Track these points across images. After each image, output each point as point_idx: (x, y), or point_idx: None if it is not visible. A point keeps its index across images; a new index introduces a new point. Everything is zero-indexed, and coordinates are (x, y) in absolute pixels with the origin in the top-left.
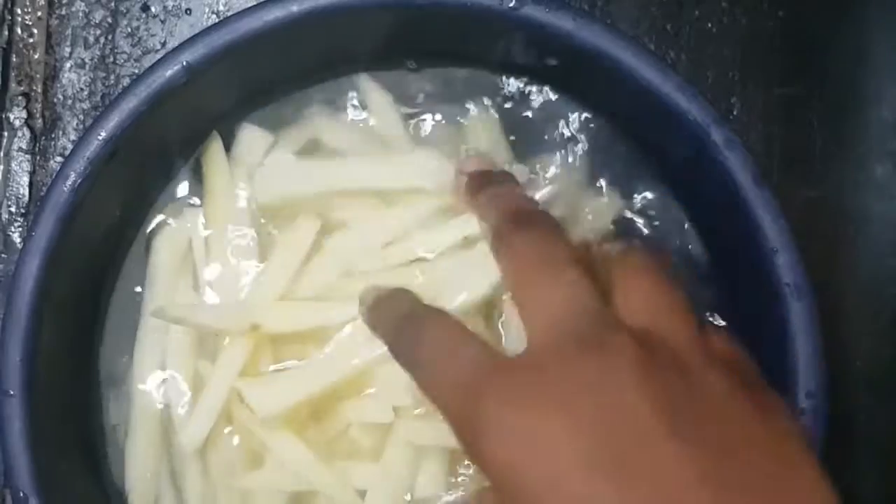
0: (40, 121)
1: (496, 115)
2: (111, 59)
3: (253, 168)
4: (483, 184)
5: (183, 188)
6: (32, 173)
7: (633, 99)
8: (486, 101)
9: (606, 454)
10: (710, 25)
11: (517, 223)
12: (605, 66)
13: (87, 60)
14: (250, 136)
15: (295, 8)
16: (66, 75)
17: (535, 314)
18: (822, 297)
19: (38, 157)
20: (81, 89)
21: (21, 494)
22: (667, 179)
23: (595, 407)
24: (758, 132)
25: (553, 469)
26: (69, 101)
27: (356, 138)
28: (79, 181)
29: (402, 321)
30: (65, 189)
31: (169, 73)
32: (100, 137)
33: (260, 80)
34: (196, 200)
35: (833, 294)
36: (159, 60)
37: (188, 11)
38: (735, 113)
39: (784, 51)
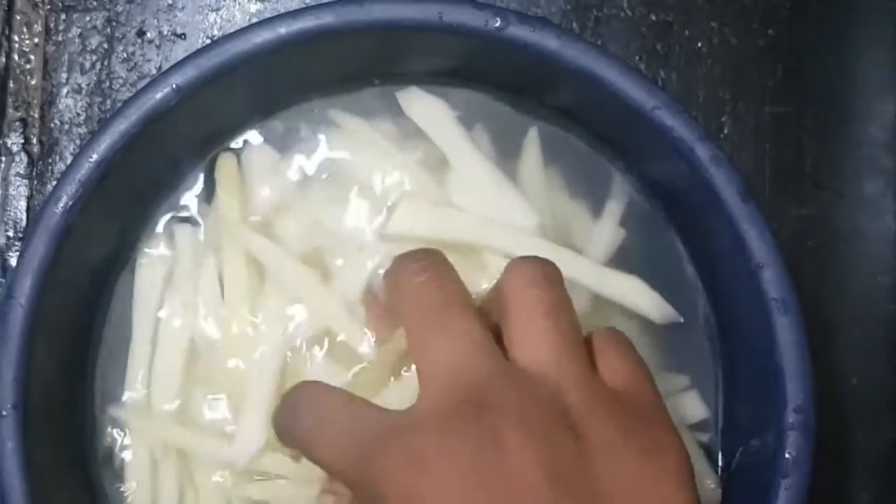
0: (37, 146)
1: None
2: (107, 85)
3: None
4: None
5: (179, 206)
6: (30, 198)
7: (618, 116)
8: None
9: None
10: (700, 45)
11: (412, 262)
12: (590, 85)
13: (83, 86)
14: (259, 154)
15: (283, 30)
16: (62, 101)
17: (425, 367)
18: (815, 315)
19: (35, 182)
20: (78, 114)
21: None
22: (652, 196)
23: (480, 468)
24: (749, 151)
25: None
26: (66, 127)
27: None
28: (70, 203)
29: (281, 403)
30: (56, 211)
31: (159, 95)
32: (91, 160)
33: (256, 99)
34: (191, 216)
35: (825, 312)
36: (149, 83)
37: (183, 36)
38: (726, 132)
39: (774, 70)
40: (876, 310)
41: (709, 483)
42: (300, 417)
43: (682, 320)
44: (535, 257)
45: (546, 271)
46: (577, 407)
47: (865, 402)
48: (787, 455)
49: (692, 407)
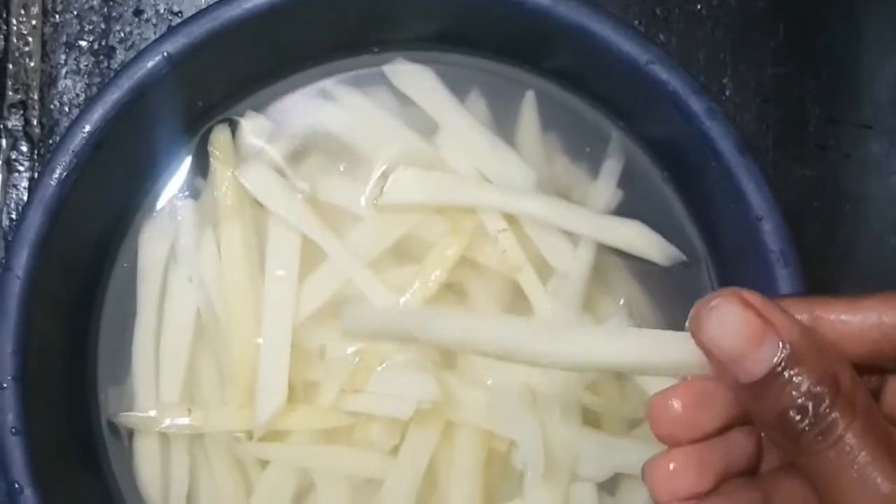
0: (38, 128)
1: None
2: (106, 65)
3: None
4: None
5: (177, 180)
6: (32, 179)
7: (614, 73)
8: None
9: None
10: (699, 7)
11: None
12: (585, 41)
13: (82, 66)
14: (253, 125)
15: None
16: (62, 82)
17: None
18: (820, 275)
19: (36, 164)
20: (77, 95)
21: (16, 486)
22: (651, 154)
23: None
24: (751, 113)
25: None
26: (66, 108)
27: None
28: (64, 174)
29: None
30: (52, 182)
31: (150, 64)
32: (84, 130)
33: (248, 69)
34: (190, 190)
35: (831, 272)
36: (141, 52)
37: (179, 14)
38: (727, 94)
39: (775, 30)
40: (882, 269)
41: None
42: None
43: (685, 258)
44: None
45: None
46: None
47: None
48: None
49: None
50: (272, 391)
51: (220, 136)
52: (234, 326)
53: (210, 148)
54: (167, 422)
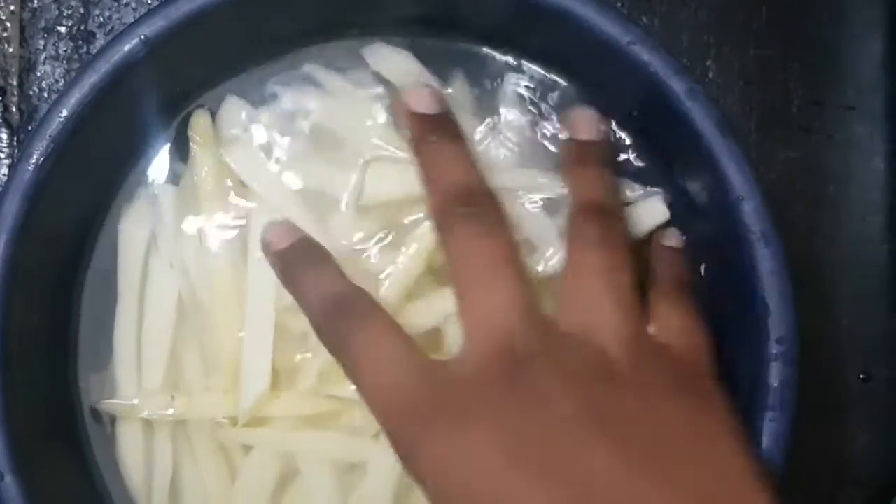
0: (17, 114)
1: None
2: (85, 50)
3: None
4: (429, 130)
5: (157, 165)
6: (11, 166)
7: (594, 54)
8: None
9: (533, 457)
10: None
11: (463, 207)
12: (565, 22)
13: (61, 52)
14: (233, 109)
15: None
16: (41, 68)
17: (472, 318)
18: (805, 258)
19: (15, 150)
20: (57, 81)
21: None
22: (634, 135)
23: (521, 417)
24: (734, 95)
25: (481, 475)
26: (45, 94)
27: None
28: (42, 159)
29: (333, 307)
30: (29, 167)
31: (127, 47)
32: (62, 115)
33: (228, 52)
34: (170, 175)
35: (815, 254)
36: (118, 35)
37: None
38: (711, 76)
39: (758, 12)
40: (866, 251)
41: None
42: (355, 343)
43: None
44: (599, 218)
45: (604, 233)
46: (621, 363)
47: (856, 342)
48: (771, 386)
49: None
50: (256, 376)
51: (199, 120)
52: (217, 312)
53: (190, 132)
54: (149, 410)
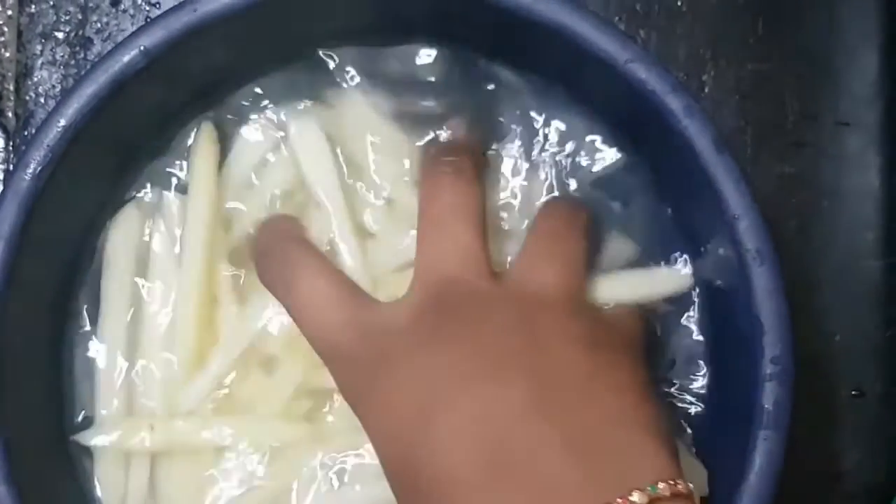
0: (13, 119)
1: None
2: (82, 56)
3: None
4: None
5: (153, 174)
6: (7, 171)
7: (590, 70)
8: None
9: (443, 401)
10: (679, 4)
11: (444, 158)
12: (562, 39)
13: (58, 57)
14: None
15: None
16: (38, 73)
17: (418, 265)
18: (798, 273)
19: (11, 156)
20: (53, 86)
21: None
22: (630, 152)
23: (434, 361)
24: (730, 109)
25: (400, 422)
26: (41, 99)
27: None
28: (39, 168)
29: (278, 252)
30: (25, 177)
31: (126, 58)
32: (59, 124)
33: (229, 64)
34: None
35: (809, 269)
36: (117, 46)
37: (157, 5)
38: (707, 90)
39: (755, 27)
40: (859, 266)
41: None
42: (298, 287)
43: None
44: (572, 199)
45: (570, 211)
46: (539, 312)
47: (849, 358)
48: (765, 406)
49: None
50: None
51: (197, 131)
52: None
53: (193, 144)
54: (125, 441)
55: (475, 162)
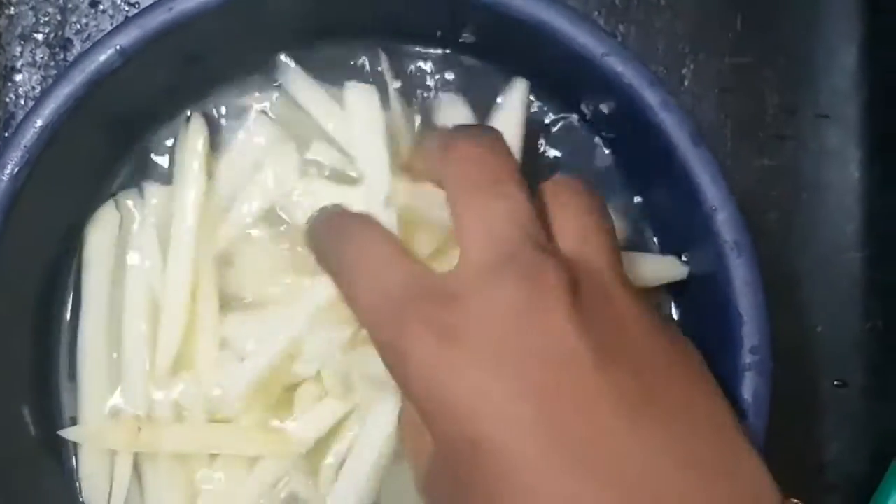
0: None
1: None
2: (62, 57)
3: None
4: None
5: (132, 172)
6: None
7: (567, 64)
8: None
9: (532, 379)
10: None
11: (463, 130)
12: (538, 33)
13: (38, 59)
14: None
15: None
16: (17, 75)
17: (471, 228)
18: (779, 265)
19: None
20: (33, 88)
21: None
22: (608, 146)
23: (523, 334)
24: (710, 103)
25: (477, 395)
26: (21, 101)
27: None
28: (16, 170)
29: (330, 229)
30: (3, 178)
31: (102, 57)
32: (36, 125)
33: (207, 61)
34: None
35: (790, 262)
36: (93, 45)
37: (136, 5)
38: (686, 84)
39: (734, 21)
40: (840, 258)
41: None
42: (347, 255)
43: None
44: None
45: (590, 188)
46: (613, 289)
47: (831, 349)
48: (744, 397)
49: None
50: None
51: (185, 125)
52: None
53: (181, 139)
54: (112, 443)
55: (495, 132)
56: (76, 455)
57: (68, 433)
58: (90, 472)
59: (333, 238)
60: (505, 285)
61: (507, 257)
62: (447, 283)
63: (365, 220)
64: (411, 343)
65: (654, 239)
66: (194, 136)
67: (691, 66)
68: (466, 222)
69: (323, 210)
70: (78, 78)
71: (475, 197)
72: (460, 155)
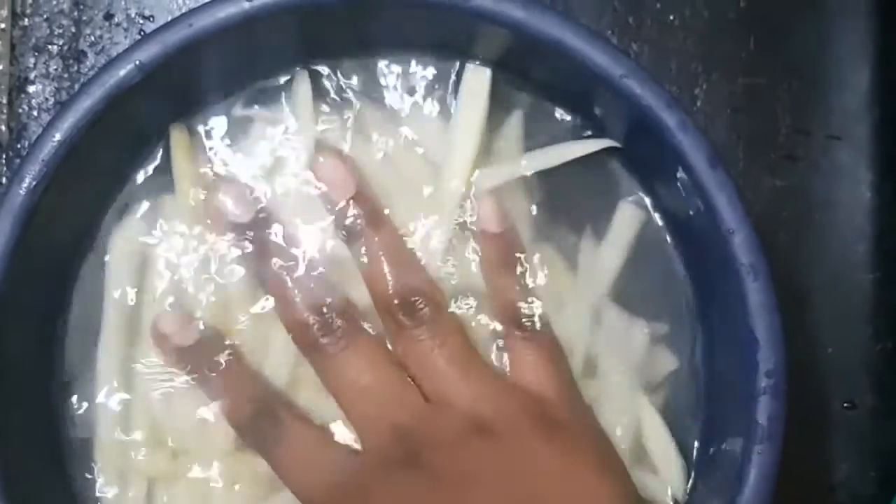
0: (6, 133)
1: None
2: (76, 69)
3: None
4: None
5: (150, 184)
6: (1, 185)
7: (587, 86)
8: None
9: None
10: (672, 18)
11: (325, 332)
12: (557, 54)
13: (51, 70)
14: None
15: (247, 4)
16: (31, 86)
17: (363, 419)
18: (790, 285)
19: (5, 168)
20: (47, 99)
21: None
22: (624, 167)
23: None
24: (722, 122)
25: None
26: (35, 112)
27: None
28: (34, 183)
29: (260, 417)
30: (20, 192)
31: (122, 72)
32: (55, 139)
33: (223, 77)
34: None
35: (801, 282)
36: (112, 60)
37: (151, 18)
38: (699, 104)
39: (747, 41)
40: (851, 279)
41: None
42: (281, 448)
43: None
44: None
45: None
46: (490, 417)
47: (841, 370)
48: (759, 421)
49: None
50: None
51: (178, 138)
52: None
53: (172, 153)
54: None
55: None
56: (89, 475)
57: (83, 451)
58: (104, 493)
59: (267, 432)
60: (395, 476)
61: (399, 453)
62: (356, 468)
63: (291, 414)
64: None
65: (676, 262)
66: (180, 152)
67: (704, 86)
68: (356, 413)
69: (212, 348)
70: (97, 92)
71: (352, 395)
72: (329, 360)
